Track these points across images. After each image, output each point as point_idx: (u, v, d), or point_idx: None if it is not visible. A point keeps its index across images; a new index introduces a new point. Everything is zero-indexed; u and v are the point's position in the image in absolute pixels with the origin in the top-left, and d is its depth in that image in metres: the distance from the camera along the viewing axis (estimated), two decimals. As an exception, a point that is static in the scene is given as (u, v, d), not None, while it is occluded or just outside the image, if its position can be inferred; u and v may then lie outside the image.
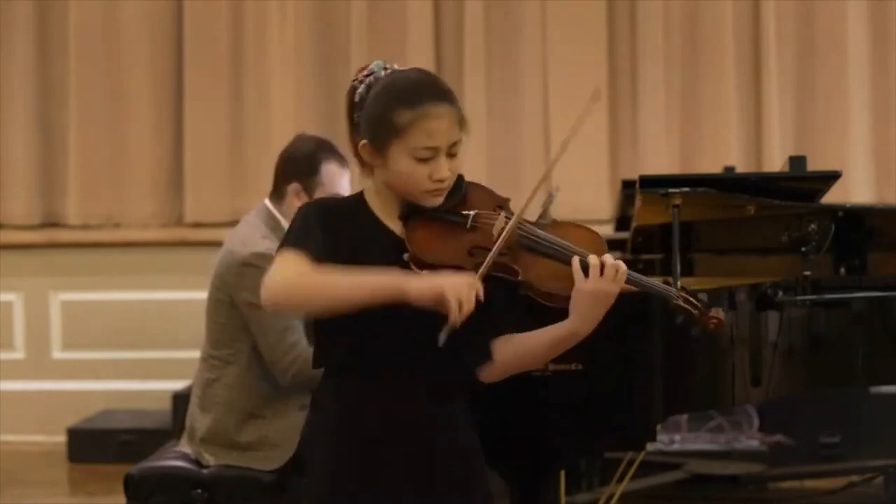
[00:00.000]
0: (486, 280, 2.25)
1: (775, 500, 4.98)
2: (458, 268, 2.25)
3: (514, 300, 2.36)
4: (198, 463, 3.51)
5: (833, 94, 6.29)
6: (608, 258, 2.31)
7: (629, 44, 6.43)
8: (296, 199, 3.51)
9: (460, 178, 2.38)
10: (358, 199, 2.39)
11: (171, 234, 6.56)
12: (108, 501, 5.25)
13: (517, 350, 2.36)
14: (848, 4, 6.27)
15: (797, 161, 3.54)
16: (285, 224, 3.54)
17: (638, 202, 3.34)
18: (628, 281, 2.35)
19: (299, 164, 3.57)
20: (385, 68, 2.38)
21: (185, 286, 6.29)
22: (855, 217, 3.59)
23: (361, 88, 2.36)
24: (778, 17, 6.31)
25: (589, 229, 2.47)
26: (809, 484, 5.06)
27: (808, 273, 3.25)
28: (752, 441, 5.17)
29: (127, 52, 6.58)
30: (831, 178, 3.48)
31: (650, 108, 6.36)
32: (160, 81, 6.60)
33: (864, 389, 5.04)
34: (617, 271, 2.30)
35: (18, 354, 6.65)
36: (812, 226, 3.26)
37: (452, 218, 2.33)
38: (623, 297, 3.31)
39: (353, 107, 2.38)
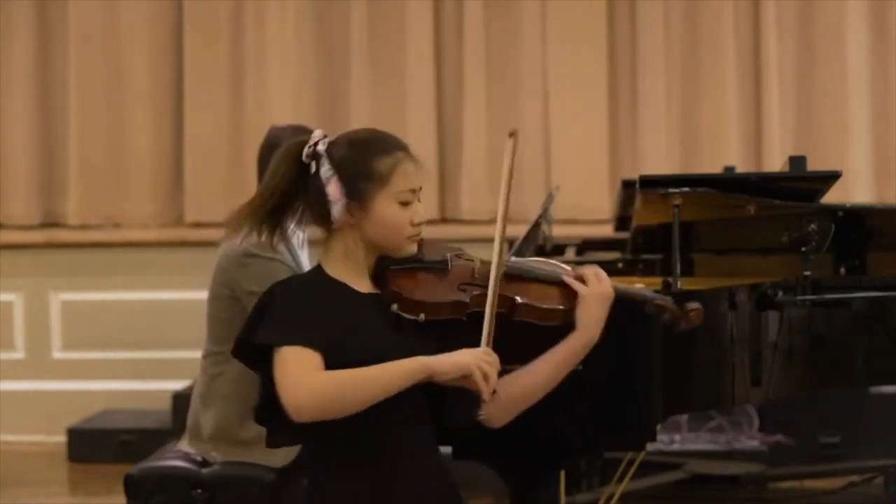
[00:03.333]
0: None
1: (775, 500, 4.98)
2: (456, 302, 2.32)
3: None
4: (198, 463, 3.51)
5: (833, 94, 6.29)
6: (589, 266, 2.50)
7: (629, 44, 6.43)
8: None
9: None
10: (317, 274, 2.38)
11: (171, 234, 6.56)
12: (108, 501, 5.25)
13: (523, 380, 2.40)
14: (848, 4, 6.28)
15: (797, 161, 3.54)
16: None
17: (638, 202, 3.34)
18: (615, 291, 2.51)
19: None
20: (325, 136, 2.38)
21: (185, 286, 6.29)
22: (855, 217, 3.59)
23: (319, 147, 2.34)
24: (778, 17, 6.31)
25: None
26: (809, 484, 5.06)
27: (808, 273, 3.25)
28: (752, 441, 5.17)
29: (127, 52, 6.58)
30: (831, 178, 3.48)
31: (650, 108, 6.35)
32: (160, 81, 6.60)
33: (864, 389, 5.04)
34: (602, 275, 2.49)
35: (18, 354, 6.65)
36: (812, 226, 3.26)
37: (429, 263, 2.39)
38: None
39: (303, 173, 2.35)
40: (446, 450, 2.77)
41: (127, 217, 6.61)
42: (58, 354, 6.64)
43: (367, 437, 2.32)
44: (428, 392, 2.33)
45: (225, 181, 6.49)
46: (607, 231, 5.59)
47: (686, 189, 3.12)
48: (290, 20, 6.51)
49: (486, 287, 2.32)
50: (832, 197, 3.62)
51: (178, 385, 5.95)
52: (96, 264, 6.60)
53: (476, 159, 6.35)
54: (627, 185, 4.56)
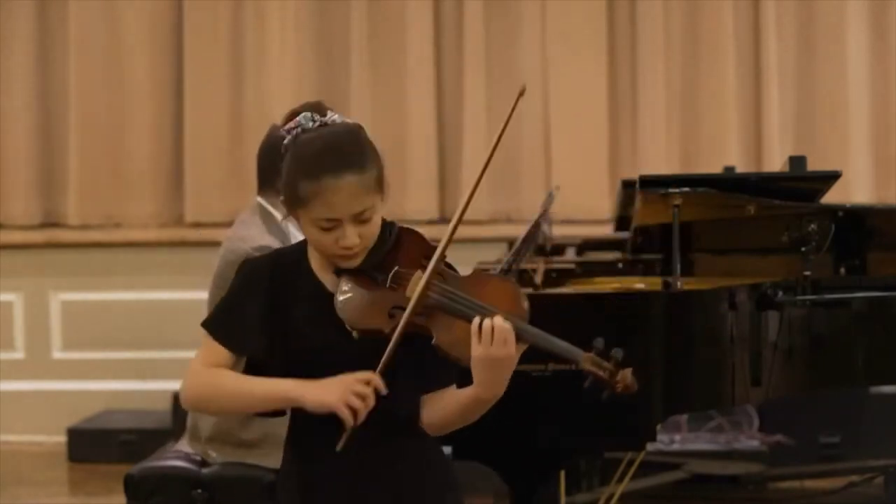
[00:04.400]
0: (409, 340, 2.22)
1: (775, 500, 4.98)
2: (376, 330, 2.23)
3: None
4: (198, 463, 3.51)
5: (833, 93, 6.29)
6: (498, 321, 2.19)
7: (629, 44, 6.43)
8: None
9: (391, 226, 2.33)
10: (300, 251, 2.37)
11: (171, 234, 6.56)
12: (108, 501, 5.25)
13: (441, 411, 2.31)
14: (848, 4, 6.28)
15: (797, 161, 3.55)
16: (279, 217, 3.56)
17: (638, 202, 3.35)
18: (531, 342, 2.24)
19: None
20: (313, 121, 2.31)
21: (185, 286, 6.29)
22: (855, 217, 3.59)
23: (288, 140, 2.32)
24: (778, 16, 6.32)
25: (510, 283, 2.37)
26: (809, 484, 5.06)
27: (808, 273, 3.25)
28: (752, 441, 5.17)
29: (127, 52, 6.59)
30: (831, 178, 3.48)
31: (650, 108, 6.35)
32: (160, 81, 6.60)
33: (864, 389, 5.04)
34: (506, 337, 2.19)
35: (18, 354, 6.65)
36: (812, 226, 3.26)
37: (375, 275, 2.30)
38: (623, 297, 3.31)
39: (277, 158, 2.35)
40: (446, 449, 2.78)
41: (127, 217, 6.61)
42: (58, 354, 6.64)
43: (309, 427, 2.30)
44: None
45: (225, 181, 6.49)
46: (607, 231, 5.59)
47: (686, 189, 3.12)
48: (290, 20, 6.51)
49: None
50: (832, 197, 3.62)
51: (178, 385, 5.93)
52: (96, 264, 6.60)
53: (476, 159, 6.34)
54: (627, 185, 4.56)
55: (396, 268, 2.30)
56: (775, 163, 6.01)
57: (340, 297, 2.27)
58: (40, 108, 6.66)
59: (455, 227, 2.31)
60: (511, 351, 2.19)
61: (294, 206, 2.28)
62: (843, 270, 3.67)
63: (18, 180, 6.62)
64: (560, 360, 2.23)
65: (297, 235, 3.59)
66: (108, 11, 6.59)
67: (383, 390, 2.19)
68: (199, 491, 3.44)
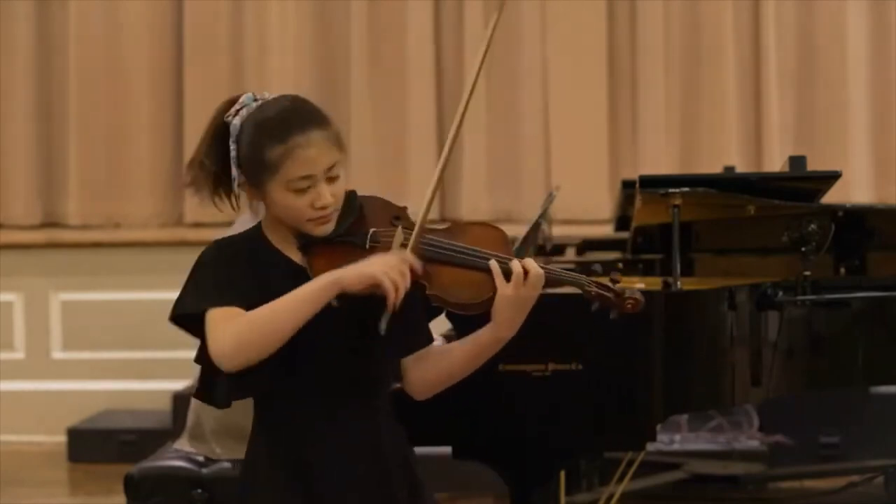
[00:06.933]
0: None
1: (775, 500, 4.98)
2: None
3: (425, 311, 2.36)
4: (198, 463, 3.51)
5: (833, 93, 6.29)
6: (531, 264, 2.29)
7: (629, 44, 6.43)
8: None
9: (353, 195, 2.35)
10: (255, 234, 2.36)
11: (171, 234, 6.56)
12: (108, 501, 5.25)
13: (444, 363, 2.36)
14: (848, 4, 6.28)
15: (797, 161, 3.54)
16: None
17: (638, 202, 3.34)
18: (549, 277, 2.33)
19: None
20: (256, 99, 2.34)
21: (185, 286, 6.28)
22: (855, 217, 3.59)
23: (236, 120, 2.32)
24: (778, 17, 6.32)
25: (490, 225, 2.43)
26: (809, 484, 5.06)
27: (808, 273, 3.24)
28: (752, 441, 5.17)
29: (127, 52, 6.59)
30: (831, 178, 3.48)
31: (650, 108, 6.36)
32: (160, 81, 6.60)
33: (864, 389, 5.04)
34: (539, 280, 2.29)
35: (18, 354, 6.65)
36: (812, 226, 3.26)
37: (350, 239, 2.30)
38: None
39: (224, 142, 2.33)
40: (446, 450, 2.78)
41: (127, 217, 6.61)
42: (58, 354, 6.64)
43: (289, 404, 2.30)
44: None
45: (225, 181, 6.48)
46: (607, 231, 5.59)
47: (686, 189, 3.12)
48: (291, 20, 6.51)
49: None
50: (832, 197, 3.62)
51: (178, 385, 5.95)
52: (96, 264, 6.60)
53: (476, 159, 6.35)
54: (627, 185, 4.56)
55: (373, 229, 2.31)
56: (775, 163, 6.01)
57: (316, 266, 2.24)
58: (40, 108, 6.66)
59: (438, 181, 2.41)
60: (539, 291, 2.29)
61: (263, 176, 2.26)
62: (843, 270, 3.67)
63: (18, 180, 6.62)
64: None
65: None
66: (108, 12, 6.60)
67: (419, 269, 2.22)
68: (199, 491, 3.44)
